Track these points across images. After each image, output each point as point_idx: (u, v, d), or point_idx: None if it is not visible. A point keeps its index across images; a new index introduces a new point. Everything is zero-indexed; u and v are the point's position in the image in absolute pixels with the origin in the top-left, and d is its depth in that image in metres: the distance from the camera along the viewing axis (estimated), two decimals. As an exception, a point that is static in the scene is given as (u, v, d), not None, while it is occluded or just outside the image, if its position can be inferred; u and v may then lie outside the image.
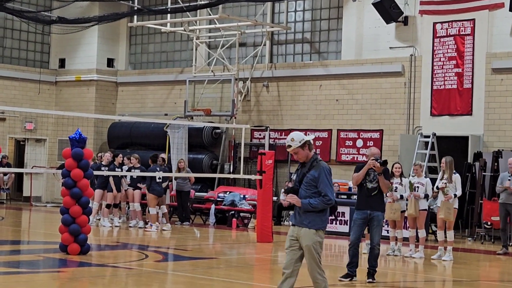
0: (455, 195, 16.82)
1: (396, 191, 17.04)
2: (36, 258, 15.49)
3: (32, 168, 31.30)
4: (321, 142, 26.68)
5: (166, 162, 23.90)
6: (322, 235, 9.14)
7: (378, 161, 13.13)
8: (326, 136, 26.64)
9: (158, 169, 21.97)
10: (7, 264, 14.43)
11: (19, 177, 32.40)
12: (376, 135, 25.65)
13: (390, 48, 25.57)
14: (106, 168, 22.30)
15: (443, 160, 17.09)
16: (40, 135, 32.35)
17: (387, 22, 24.99)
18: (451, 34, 24.25)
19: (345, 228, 21.54)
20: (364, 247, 16.15)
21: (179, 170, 23.72)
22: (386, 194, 16.46)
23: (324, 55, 27.63)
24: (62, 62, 32.99)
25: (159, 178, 21.86)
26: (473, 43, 23.84)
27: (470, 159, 23.00)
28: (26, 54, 32.77)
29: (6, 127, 31.47)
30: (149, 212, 22.08)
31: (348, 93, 26.46)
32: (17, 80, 31.79)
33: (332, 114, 26.70)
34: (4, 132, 31.35)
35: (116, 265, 14.87)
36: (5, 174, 30.01)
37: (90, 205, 16.33)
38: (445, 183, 16.75)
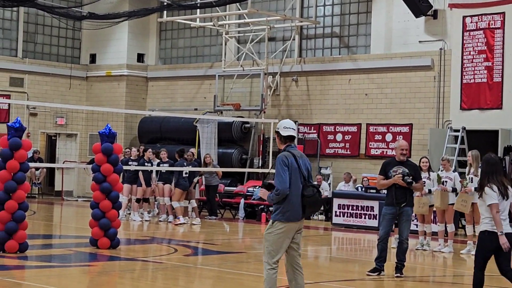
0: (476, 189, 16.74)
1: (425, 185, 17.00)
2: (67, 252, 15.66)
3: (63, 163, 31.56)
4: (350, 136, 26.67)
5: (196, 157, 24.02)
6: (278, 226, 9.05)
7: (405, 178, 13.01)
8: (355, 131, 26.61)
9: (185, 163, 22.09)
10: (39, 258, 14.62)
11: (51, 171, 32.68)
12: (405, 129, 25.59)
13: (420, 42, 25.48)
14: (135, 163, 22.45)
15: (469, 154, 17.01)
16: (71, 130, 32.60)
17: (416, 16, 24.90)
18: (480, 27, 24.12)
19: (374, 223, 21.52)
20: (393, 242, 16.15)
21: (205, 164, 23.83)
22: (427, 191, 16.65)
23: (353, 49, 27.59)
24: (93, 58, 33.21)
25: (186, 173, 21.98)
26: (503, 37, 23.68)
27: (500, 153, 22.88)
28: (57, 50, 33.03)
29: (38, 122, 31.75)
30: (171, 206, 22.30)
31: (377, 87, 26.41)
32: (49, 76, 32.06)
33: (361, 109, 26.67)
34: (35, 127, 31.63)
35: (145, 259, 15.00)
36: (37, 169, 30.29)
37: (119, 199, 16.45)
38: (471, 178, 16.66)
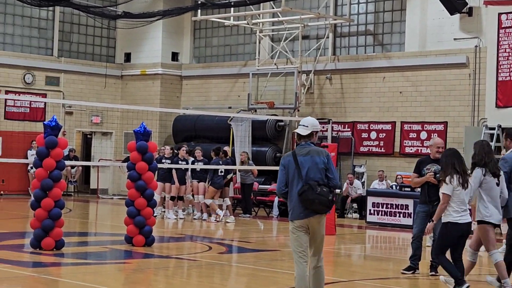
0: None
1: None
2: (102, 250, 15.79)
3: (98, 161, 31.79)
4: (384, 134, 26.58)
5: (230, 155, 24.08)
6: (290, 224, 9.33)
7: (437, 176, 12.94)
8: (390, 129, 26.52)
9: (220, 162, 22.16)
10: (75, 255, 14.76)
11: (86, 170, 32.94)
12: (440, 127, 25.46)
13: (455, 39, 25.33)
14: (169, 161, 22.55)
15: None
16: (106, 128, 32.82)
17: (451, 13, 24.75)
18: (516, 24, 23.94)
19: (408, 221, 21.46)
20: (427, 240, 16.09)
21: (241, 163, 23.88)
22: None
23: (388, 47, 27.50)
24: (127, 56, 33.41)
25: (221, 171, 22.05)
26: (539, 34, 23.51)
27: (536, 151, 22.65)
28: (93, 49, 33.27)
29: (73, 120, 32.01)
30: (201, 203, 22.49)
31: (411, 85, 26.30)
32: (84, 75, 32.30)
33: (396, 106, 26.58)
34: (71, 126, 31.89)
35: (180, 257, 15.08)
36: (72, 167, 30.55)
37: (154, 197, 16.54)
38: None
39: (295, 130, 9.42)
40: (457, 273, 11.03)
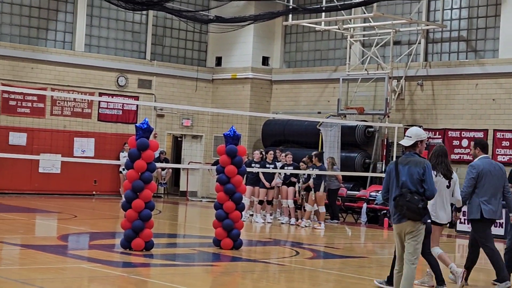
0: None
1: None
2: (191, 252, 15.95)
3: (188, 163, 32.12)
4: (476, 142, 26.13)
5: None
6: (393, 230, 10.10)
7: None
8: (482, 136, 26.06)
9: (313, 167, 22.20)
10: (164, 257, 14.93)
11: (176, 172, 33.32)
12: (534, 135, 24.96)
13: (551, 46, 24.81)
14: (258, 165, 22.63)
15: None
16: (197, 131, 33.15)
17: (548, 20, 24.25)
18: None
19: (500, 231, 21.03)
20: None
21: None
22: None
23: (481, 53, 27.08)
24: (218, 60, 33.69)
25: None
26: None
27: None
28: (184, 53, 33.66)
29: (165, 123, 32.44)
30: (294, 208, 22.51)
31: (505, 92, 25.83)
32: (176, 78, 32.71)
33: (488, 114, 26.14)
34: (162, 128, 32.33)
35: (267, 261, 15.12)
36: (163, 169, 30.94)
37: (243, 201, 16.62)
38: None
39: (400, 142, 10.23)
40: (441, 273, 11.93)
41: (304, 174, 22.21)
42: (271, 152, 23.39)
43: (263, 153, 23.80)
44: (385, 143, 27.92)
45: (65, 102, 30.07)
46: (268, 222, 22.89)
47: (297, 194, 22.89)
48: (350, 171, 26.50)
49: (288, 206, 22.91)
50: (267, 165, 22.70)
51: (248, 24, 29.59)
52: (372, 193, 25.39)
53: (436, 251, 12.28)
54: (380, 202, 24.11)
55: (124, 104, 31.16)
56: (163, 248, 15.92)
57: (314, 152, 23.24)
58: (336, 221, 24.19)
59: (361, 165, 28.20)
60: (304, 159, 22.73)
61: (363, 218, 24.73)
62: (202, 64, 33.78)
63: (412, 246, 9.82)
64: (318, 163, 22.28)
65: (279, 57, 32.93)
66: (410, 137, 9.98)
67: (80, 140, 30.22)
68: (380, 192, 24.65)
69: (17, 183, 29.00)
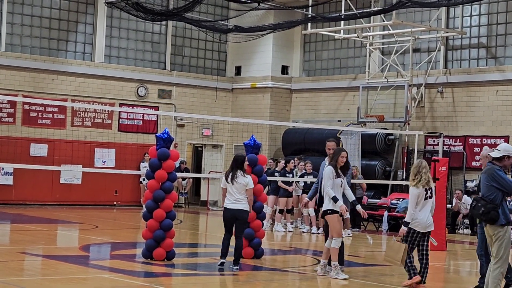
0: None
1: None
2: (212, 261, 15.92)
3: (209, 173, 32.16)
4: (497, 149, 26.02)
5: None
6: None
7: None
8: (502, 143, 25.95)
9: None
10: (185, 266, 14.96)
11: (197, 181, 33.37)
12: (556, 142, 24.81)
13: None
14: (278, 174, 22.63)
15: None
16: (217, 141, 33.20)
17: None
18: None
19: None
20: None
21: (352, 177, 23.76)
22: None
23: (501, 60, 26.98)
24: (238, 70, 33.76)
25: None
26: None
27: None
28: (204, 62, 33.75)
29: (185, 133, 32.52)
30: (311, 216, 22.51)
31: (526, 99, 25.75)
32: (195, 88, 32.80)
33: (509, 121, 26.03)
34: (183, 138, 32.41)
35: (288, 270, 15.10)
36: (183, 178, 31.00)
37: (264, 210, 16.63)
38: None
39: (490, 152, 11.10)
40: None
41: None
42: (292, 161, 23.41)
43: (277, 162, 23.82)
44: (406, 150, 27.85)
45: (86, 113, 30.21)
46: (289, 231, 22.87)
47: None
48: (371, 179, 26.43)
49: (309, 215, 22.90)
50: (287, 174, 22.72)
51: (267, 33, 29.62)
52: (393, 201, 25.32)
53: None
54: (402, 210, 24.03)
55: (144, 115, 31.26)
56: (184, 258, 15.95)
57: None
58: (357, 229, 24.14)
59: (381, 173, 28.13)
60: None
61: (384, 226, 24.66)
62: (222, 74, 33.85)
63: (496, 246, 10.73)
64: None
65: (298, 65, 32.95)
66: (499, 150, 10.88)
67: (100, 150, 30.34)
68: (401, 200, 24.66)
69: (39, 194, 29.15)
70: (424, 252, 12.95)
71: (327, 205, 13.60)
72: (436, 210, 19.41)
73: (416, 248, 12.94)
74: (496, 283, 10.73)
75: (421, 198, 12.70)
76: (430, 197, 12.82)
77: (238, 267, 14.09)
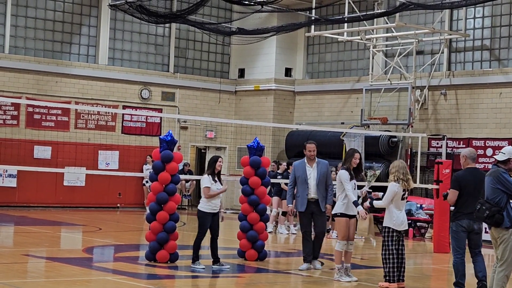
0: None
1: None
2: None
3: (212, 175, 32.08)
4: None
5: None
6: None
7: None
8: (507, 146, 25.91)
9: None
10: (189, 268, 14.94)
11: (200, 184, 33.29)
12: (559, 144, 24.80)
13: None
14: (281, 176, 22.63)
15: None
16: (220, 143, 33.21)
17: None
18: None
19: None
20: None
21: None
22: None
23: (505, 62, 26.96)
24: (241, 72, 33.77)
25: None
26: None
27: None
28: (207, 65, 33.76)
29: (188, 135, 32.53)
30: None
31: (529, 101, 25.73)
32: (199, 90, 32.82)
33: (513, 123, 26.03)
34: (186, 140, 32.42)
35: (292, 272, 15.10)
36: (187, 181, 30.99)
37: (267, 212, 16.64)
38: None
39: (495, 156, 11.57)
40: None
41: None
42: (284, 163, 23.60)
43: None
44: (409, 153, 27.84)
45: (89, 115, 30.24)
46: (293, 233, 22.86)
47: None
48: (374, 181, 26.36)
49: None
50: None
51: (271, 36, 29.63)
52: (396, 203, 25.25)
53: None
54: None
55: (148, 117, 31.30)
56: (188, 260, 15.93)
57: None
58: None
59: (385, 175, 28.09)
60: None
61: (388, 228, 24.58)
62: (225, 76, 33.88)
63: (501, 249, 11.07)
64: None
65: (302, 68, 32.96)
66: (504, 153, 11.08)
67: (104, 153, 30.36)
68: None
69: (42, 196, 29.18)
70: (400, 252, 12.94)
71: (338, 208, 13.65)
72: (440, 212, 19.48)
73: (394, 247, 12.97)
74: (500, 285, 10.80)
75: (398, 197, 12.77)
76: (406, 198, 12.96)
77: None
